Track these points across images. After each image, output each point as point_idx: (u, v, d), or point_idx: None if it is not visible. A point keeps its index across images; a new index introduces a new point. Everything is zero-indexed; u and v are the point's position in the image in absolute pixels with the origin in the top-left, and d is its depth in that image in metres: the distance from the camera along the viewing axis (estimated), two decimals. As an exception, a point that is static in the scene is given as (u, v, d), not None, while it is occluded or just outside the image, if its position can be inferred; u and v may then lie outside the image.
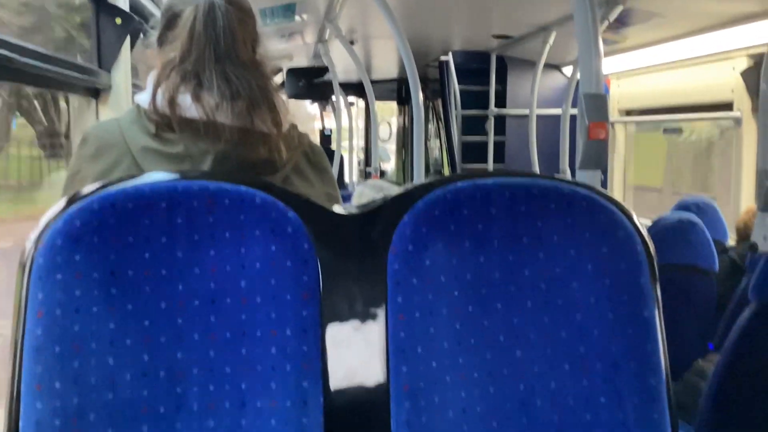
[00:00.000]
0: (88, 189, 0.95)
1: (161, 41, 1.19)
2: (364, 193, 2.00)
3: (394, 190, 1.05)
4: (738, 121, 3.37)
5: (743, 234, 2.85)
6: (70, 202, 0.93)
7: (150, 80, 1.14)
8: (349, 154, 7.13)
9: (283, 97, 1.20)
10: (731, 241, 3.11)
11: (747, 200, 3.32)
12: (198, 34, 1.13)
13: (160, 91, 1.11)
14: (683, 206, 3.11)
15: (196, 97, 1.10)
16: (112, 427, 0.91)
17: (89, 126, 1.20)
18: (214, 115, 1.10)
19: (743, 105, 3.35)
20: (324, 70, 5.10)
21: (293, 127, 1.20)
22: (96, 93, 2.23)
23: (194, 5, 1.13)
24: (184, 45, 1.13)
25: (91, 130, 1.19)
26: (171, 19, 1.16)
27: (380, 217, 1.01)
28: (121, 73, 2.26)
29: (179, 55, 1.13)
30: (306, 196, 1.04)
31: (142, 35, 2.28)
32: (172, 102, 1.10)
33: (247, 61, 1.15)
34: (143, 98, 1.13)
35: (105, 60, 2.21)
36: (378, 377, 0.97)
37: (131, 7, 2.33)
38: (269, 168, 1.14)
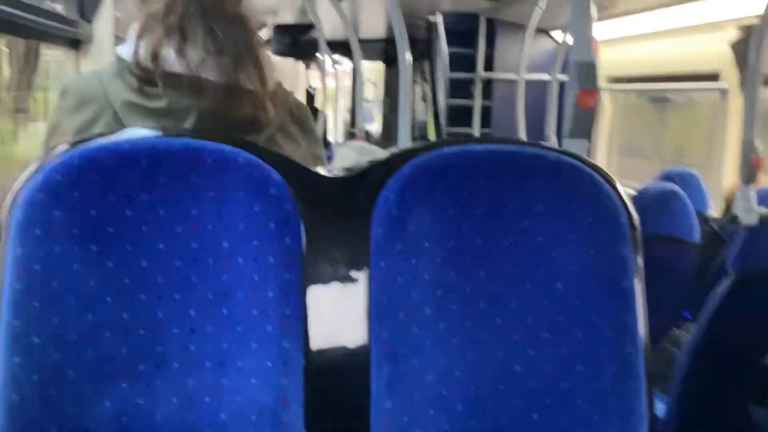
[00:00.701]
0: (67, 144, 0.93)
1: None
2: (348, 156, 1.99)
3: (378, 153, 1.04)
4: (724, 93, 3.38)
5: (730, 205, 2.87)
6: (49, 156, 0.91)
7: (132, 33, 1.11)
8: (335, 114, 7.07)
9: (269, 53, 1.18)
10: (713, 212, 3.14)
11: (731, 171, 3.34)
12: None
13: (142, 45, 1.08)
14: (666, 177, 3.12)
15: (180, 52, 1.08)
16: (91, 383, 0.91)
17: (70, 78, 1.18)
18: (199, 71, 1.08)
19: (730, 76, 3.35)
20: (310, 27, 5.02)
21: (278, 85, 1.18)
22: (77, 44, 2.19)
23: None
24: (168, 3, 1.10)
25: (72, 83, 1.16)
26: None
27: (365, 180, 1.00)
28: (103, 24, 2.21)
29: (163, 9, 1.10)
30: (290, 157, 1.03)
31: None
32: (155, 56, 1.07)
33: (233, 15, 1.12)
34: (125, 51, 1.11)
35: (86, 10, 2.16)
36: (359, 341, 0.97)
37: (114, -45, 2.27)
38: (254, 126, 1.12)
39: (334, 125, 6.73)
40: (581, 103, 1.37)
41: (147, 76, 1.07)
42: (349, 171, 1.02)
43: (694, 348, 1.98)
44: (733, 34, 3.33)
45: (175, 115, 1.07)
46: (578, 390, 1.00)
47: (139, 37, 1.09)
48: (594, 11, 1.49)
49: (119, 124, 1.07)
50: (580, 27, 1.45)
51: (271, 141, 1.14)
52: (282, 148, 1.14)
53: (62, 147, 0.93)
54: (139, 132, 0.96)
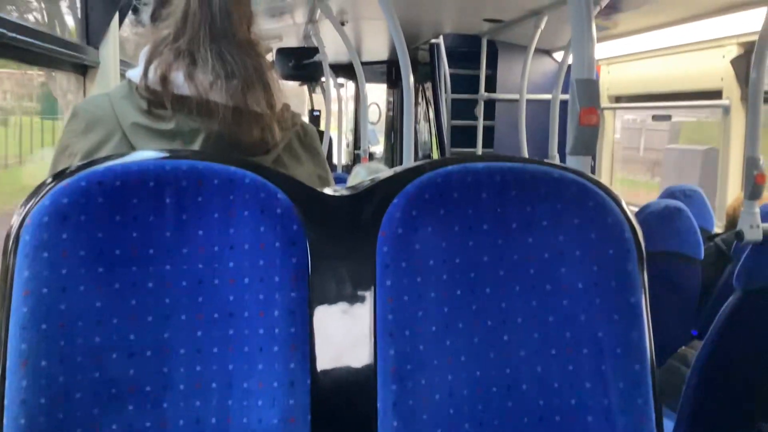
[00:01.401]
0: (74, 166, 0.94)
1: (154, 18, 1.17)
2: (359, 174, 2.00)
3: (383, 175, 1.05)
4: (727, 110, 3.39)
5: (732, 221, 2.87)
6: (57, 179, 0.92)
7: (142, 56, 1.13)
8: (339, 136, 7.10)
9: (277, 77, 1.19)
10: (717, 228, 3.13)
11: (734, 188, 3.34)
12: (193, 12, 1.11)
13: (152, 68, 1.10)
14: (670, 193, 3.13)
15: (189, 75, 1.09)
16: (98, 406, 0.91)
17: (79, 101, 1.19)
18: (207, 94, 1.09)
19: (732, 93, 3.36)
20: (314, 50, 5.06)
21: (286, 107, 1.19)
22: (83, 70, 2.21)
23: None
24: (179, 23, 1.12)
25: (81, 105, 1.17)
26: None
27: (370, 199, 1.01)
28: (109, 50, 2.23)
29: (173, 33, 1.12)
30: (296, 178, 1.03)
31: (131, 11, 2.25)
32: (164, 79, 1.08)
33: (243, 40, 1.14)
34: (135, 74, 1.12)
35: (93, 36, 2.18)
36: (365, 360, 0.97)
37: (120, -18, 2.30)
38: (261, 148, 1.13)
39: (338, 147, 6.75)
40: (583, 120, 1.38)
41: (156, 99, 1.09)
42: (353, 189, 1.03)
43: (703, 365, 1.97)
44: (733, 51, 3.34)
45: (184, 137, 1.08)
46: (587, 407, 0.99)
47: (149, 60, 1.11)
48: (594, 31, 1.50)
49: (128, 146, 1.08)
50: (580, 45, 1.46)
51: (277, 162, 1.15)
52: (288, 168, 1.15)
53: (69, 169, 0.93)
54: (145, 154, 0.97)
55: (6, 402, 0.87)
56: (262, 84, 1.13)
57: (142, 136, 1.08)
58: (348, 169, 6.90)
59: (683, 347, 2.43)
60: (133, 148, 1.08)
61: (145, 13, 1.19)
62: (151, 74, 1.09)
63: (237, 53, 1.12)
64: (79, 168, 0.93)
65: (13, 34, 1.51)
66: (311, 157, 1.23)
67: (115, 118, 1.10)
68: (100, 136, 1.10)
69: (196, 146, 1.08)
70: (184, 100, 1.09)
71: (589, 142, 1.42)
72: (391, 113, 7.85)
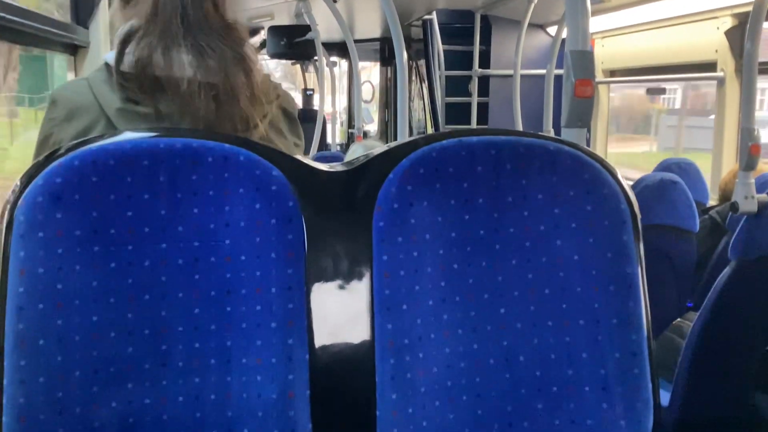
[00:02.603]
0: (67, 146, 0.93)
1: (124, 1, 1.14)
2: (356, 152, 2.00)
3: (378, 150, 1.04)
4: (721, 81, 3.38)
5: (724, 194, 2.88)
6: (50, 159, 0.91)
7: (116, 39, 1.10)
8: (332, 115, 7.07)
9: (259, 57, 1.16)
10: (712, 201, 3.14)
11: (729, 160, 3.34)
12: (163, 3, 1.07)
13: (128, 51, 1.07)
14: (665, 166, 3.13)
15: (166, 57, 1.06)
16: (97, 384, 0.91)
17: (57, 87, 1.16)
18: (184, 75, 1.06)
19: (727, 65, 3.35)
20: (306, 28, 5.02)
21: (266, 77, 1.16)
22: (74, 49, 2.19)
23: None
24: (148, 15, 1.08)
25: (60, 92, 1.14)
26: None
27: (365, 174, 1.01)
28: (99, 29, 2.21)
29: (144, 26, 1.07)
30: (290, 154, 1.03)
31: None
32: (140, 62, 1.06)
33: (219, 27, 1.10)
34: (112, 57, 1.10)
35: (82, 15, 2.16)
36: (363, 334, 0.97)
37: (108, -40, 2.27)
38: (244, 126, 1.11)
39: (332, 126, 6.73)
40: (578, 92, 1.37)
41: (136, 83, 1.06)
42: (348, 165, 1.02)
43: (698, 336, 1.99)
44: (728, 22, 3.33)
45: (169, 119, 1.07)
46: (584, 377, 1.00)
47: (124, 42, 1.08)
48: (588, 3, 1.49)
49: (114, 131, 1.06)
50: (575, 17, 1.45)
51: (263, 139, 1.13)
52: (273, 143, 1.14)
53: (62, 149, 0.93)
54: (138, 133, 0.96)
55: (5, 382, 0.88)
56: (239, 62, 1.10)
57: (127, 119, 1.06)
58: (342, 148, 6.88)
59: (678, 319, 2.45)
60: (118, 132, 1.06)
61: None
62: (128, 58, 1.07)
63: (215, 43, 1.08)
64: (72, 147, 0.92)
65: (2, 14, 1.49)
66: (289, 125, 1.21)
67: (97, 104, 1.07)
68: (84, 123, 1.07)
69: (183, 126, 1.07)
70: (161, 82, 1.05)
71: (584, 115, 1.42)
72: (384, 91, 7.81)
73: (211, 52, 1.07)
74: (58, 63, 2.29)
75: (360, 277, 0.98)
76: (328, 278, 0.98)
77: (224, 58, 1.08)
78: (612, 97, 4.77)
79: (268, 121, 1.14)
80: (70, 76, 2.23)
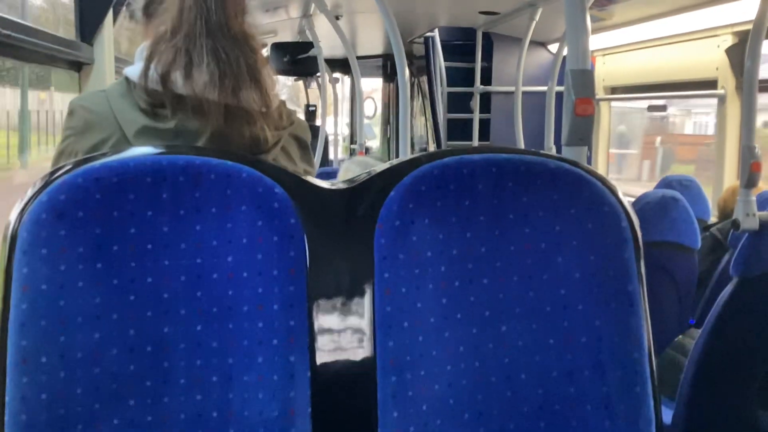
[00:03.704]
0: (71, 163, 0.94)
1: (148, 13, 1.17)
2: (350, 169, 1.99)
3: (380, 167, 1.05)
4: (722, 99, 3.39)
5: (724, 211, 2.88)
6: (54, 176, 0.92)
7: (139, 54, 1.12)
8: (335, 131, 7.09)
9: (272, 73, 1.19)
10: (713, 218, 3.14)
11: (730, 178, 3.35)
12: (188, 6, 1.11)
13: (152, 67, 1.09)
14: (666, 183, 3.13)
15: (187, 75, 1.09)
16: (99, 401, 0.91)
17: (75, 98, 1.18)
18: (203, 93, 1.09)
19: (727, 83, 3.37)
20: (309, 45, 5.04)
21: (282, 104, 1.19)
22: (78, 67, 2.20)
23: None
24: (175, 19, 1.11)
25: (79, 102, 1.16)
26: None
27: (367, 192, 1.01)
28: (103, 47, 2.22)
29: (170, 29, 1.11)
30: (293, 171, 1.04)
31: (124, 8, 2.24)
32: (164, 78, 1.08)
33: (238, 33, 1.13)
34: (133, 72, 1.12)
35: (86, 32, 2.18)
36: (365, 352, 0.97)
37: (113, -22, 2.29)
38: (259, 148, 1.13)
39: (334, 142, 6.75)
40: (579, 111, 1.38)
41: (156, 99, 1.09)
42: (350, 182, 1.03)
43: (700, 353, 1.98)
44: (728, 40, 3.35)
45: (185, 137, 1.08)
46: (585, 395, 1.00)
47: (149, 59, 1.10)
48: (589, 22, 1.51)
49: (127, 146, 1.07)
50: (575, 35, 1.46)
51: (275, 161, 1.15)
52: (282, 166, 1.15)
53: (66, 166, 0.93)
54: (142, 150, 0.97)
55: (7, 399, 0.88)
56: (254, 82, 1.12)
57: (143, 135, 1.08)
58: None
59: (680, 336, 2.44)
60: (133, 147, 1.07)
61: (138, 8, 1.19)
62: (151, 73, 1.09)
63: (231, 49, 1.11)
64: (76, 165, 0.93)
65: (7, 32, 1.51)
66: (300, 152, 1.23)
67: (114, 118, 1.09)
68: (100, 136, 1.09)
69: (199, 145, 1.08)
70: (183, 100, 1.08)
71: (584, 133, 1.42)
72: (386, 107, 7.84)
73: (227, 59, 1.10)
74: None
75: (361, 294, 0.98)
76: (329, 295, 0.98)
77: (239, 66, 1.10)
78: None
79: (280, 146, 1.16)
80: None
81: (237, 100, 1.10)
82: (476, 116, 5.22)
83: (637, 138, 5.33)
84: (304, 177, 1.01)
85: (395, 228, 0.98)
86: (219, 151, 0.99)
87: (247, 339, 0.95)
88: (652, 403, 1.00)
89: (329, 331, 0.97)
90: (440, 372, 0.98)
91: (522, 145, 4.62)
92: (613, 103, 4.72)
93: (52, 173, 0.93)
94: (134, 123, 1.08)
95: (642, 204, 2.56)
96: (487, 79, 5.19)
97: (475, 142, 5.21)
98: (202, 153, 0.98)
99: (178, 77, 1.09)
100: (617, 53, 4.44)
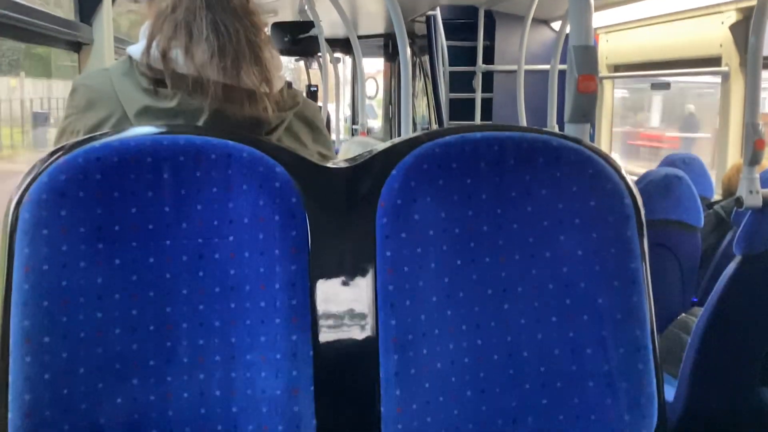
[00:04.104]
0: (71, 143, 0.93)
1: None
2: (350, 150, 1.99)
3: (382, 146, 1.04)
4: (726, 76, 3.37)
5: (728, 189, 2.87)
6: (54, 156, 0.92)
7: (143, 32, 1.12)
8: (336, 112, 7.08)
9: (276, 54, 1.17)
10: (717, 196, 3.13)
11: (734, 155, 3.33)
12: None
13: (154, 44, 1.08)
14: (670, 161, 3.12)
15: (187, 52, 1.08)
16: (102, 381, 0.91)
17: (78, 76, 1.18)
18: (203, 71, 1.08)
19: (731, 59, 3.34)
20: (310, 25, 5.02)
21: (287, 85, 1.18)
22: (77, 47, 2.19)
23: None
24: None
25: (81, 81, 1.16)
26: None
27: (369, 170, 1.01)
28: (102, 27, 2.21)
29: (170, 4, 1.10)
30: (294, 150, 1.03)
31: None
32: (165, 56, 1.07)
33: (238, 7, 1.12)
34: (135, 50, 1.11)
35: (85, 12, 2.16)
36: (367, 330, 0.98)
37: (112, -43, 2.27)
38: (258, 128, 1.12)
39: (336, 122, 6.73)
40: (581, 88, 1.37)
41: (158, 77, 1.08)
42: (352, 161, 1.02)
43: (703, 331, 1.98)
44: (732, 16, 3.32)
45: (186, 116, 1.07)
46: (588, 373, 1.00)
47: (151, 36, 1.09)
48: (592, -2, 1.49)
49: (130, 125, 1.07)
50: (578, 12, 1.44)
51: (278, 142, 1.14)
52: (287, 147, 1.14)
53: (66, 146, 0.93)
54: (142, 130, 0.96)
55: (10, 378, 0.88)
56: (255, 58, 1.11)
57: (144, 114, 1.07)
58: (346, 144, 6.86)
59: (683, 314, 2.44)
60: (134, 126, 1.07)
61: None
62: (153, 50, 1.08)
63: (231, 22, 1.10)
64: (76, 144, 0.93)
65: (5, 12, 1.50)
66: (312, 134, 1.22)
67: (116, 97, 1.09)
68: (103, 114, 1.09)
69: (199, 124, 1.08)
70: (183, 79, 1.08)
71: (587, 110, 1.41)
72: (388, 87, 7.81)
73: (227, 32, 1.09)
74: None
75: (363, 273, 0.98)
76: (331, 274, 0.98)
77: (239, 41, 1.09)
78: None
79: (284, 128, 1.15)
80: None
81: (237, 78, 1.09)
82: (478, 96, 5.20)
83: (711, 119, 4.99)
84: (304, 156, 1.01)
85: (397, 207, 0.98)
86: (220, 131, 0.99)
87: (250, 318, 0.95)
88: (654, 380, 1.00)
89: (331, 309, 0.97)
90: (442, 350, 0.98)
91: (525, 124, 4.60)
92: (676, 80, 4.47)
93: (53, 153, 0.92)
94: (136, 102, 1.08)
95: (645, 182, 2.56)
96: (489, 58, 5.17)
97: (478, 122, 5.19)
98: (202, 133, 0.97)
99: (178, 54, 1.08)
100: (620, 31, 4.40)
